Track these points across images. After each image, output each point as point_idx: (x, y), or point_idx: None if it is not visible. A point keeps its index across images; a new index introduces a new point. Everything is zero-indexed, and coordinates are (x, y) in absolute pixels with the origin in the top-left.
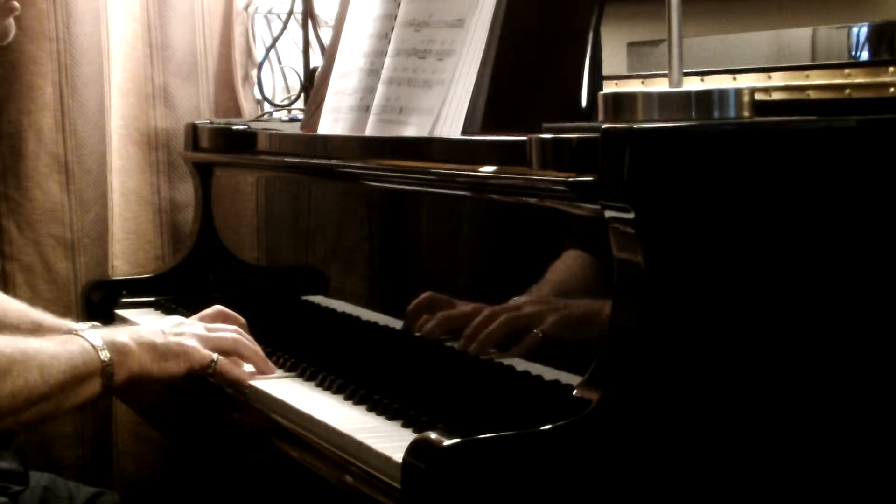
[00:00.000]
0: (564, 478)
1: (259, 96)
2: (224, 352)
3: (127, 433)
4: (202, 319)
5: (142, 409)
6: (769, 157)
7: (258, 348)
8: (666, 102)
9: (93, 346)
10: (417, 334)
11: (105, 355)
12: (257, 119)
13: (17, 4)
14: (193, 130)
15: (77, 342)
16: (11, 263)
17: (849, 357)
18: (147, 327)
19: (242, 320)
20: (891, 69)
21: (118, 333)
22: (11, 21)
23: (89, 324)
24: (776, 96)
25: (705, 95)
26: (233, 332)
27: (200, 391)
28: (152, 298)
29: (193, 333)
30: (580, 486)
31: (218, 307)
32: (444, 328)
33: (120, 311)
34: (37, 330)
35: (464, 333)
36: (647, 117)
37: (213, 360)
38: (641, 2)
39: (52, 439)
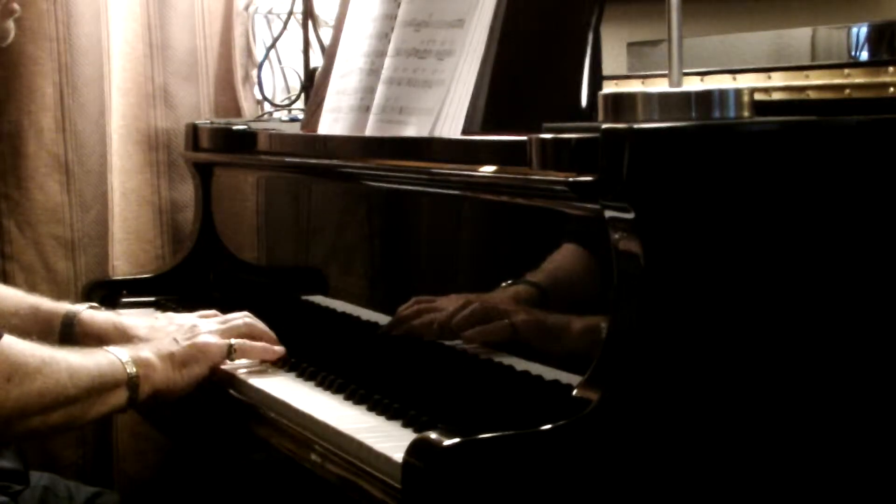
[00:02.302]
0: (564, 478)
1: (259, 96)
2: (238, 336)
3: (127, 433)
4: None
5: (142, 409)
6: (769, 157)
7: (268, 329)
8: (666, 102)
9: (119, 360)
10: (416, 335)
11: (131, 368)
12: (257, 119)
13: (17, 7)
14: (193, 130)
15: (104, 354)
16: (11, 263)
17: (849, 356)
18: (162, 340)
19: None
20: (891, 69)
21: (140, 349)
22: (11, 23)
23: (87, 304)
24: (776, 96)
25: (705, 95)
26: (242, 317)
27: (200, 392)
28: (152, 298)
29: (206, 331)
30: (580, 487)
31: (247, 318)
32: (432, 323)
33: (120, 311)
34: (35, 313)
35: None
36: (647, 117)
37: (230, 346)
38: (641, 2)
39: (52, 440)
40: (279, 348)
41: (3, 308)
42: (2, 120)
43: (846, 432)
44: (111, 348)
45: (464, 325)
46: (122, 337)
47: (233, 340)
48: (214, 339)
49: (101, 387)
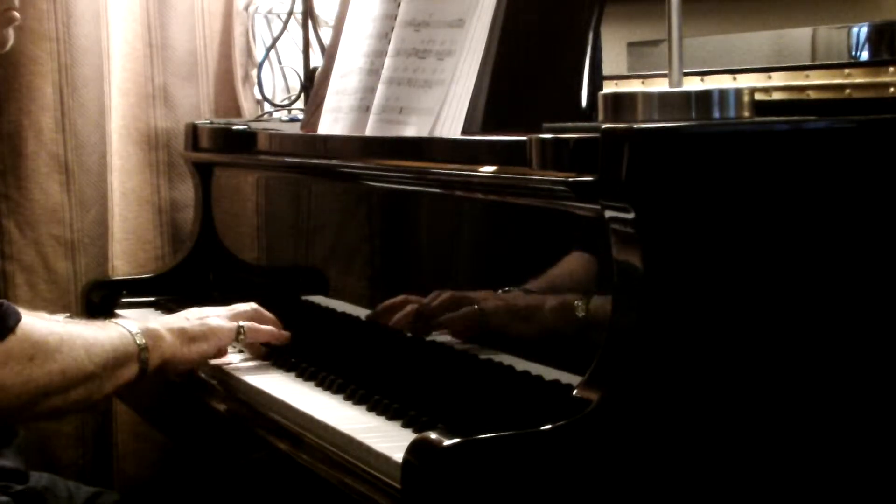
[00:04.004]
0: (564, 478)
1: (259, 96)
2: (246, 320)
3: (127, 433)
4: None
5: (142, 409)
6: (769, 157)
7: (273, 317)
8: (666, 102)
9: (129, 332)
10: (416, 335)
11: (140, 339)
12: (257, 119)
13: (17, 15)
14: (193, 130)
15: (115, 327)
16: (11, 263)
17: (848, 356)
18: (172, 317)
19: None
20: (891, 69)
21: (149, 321)
22: (10, 31)
23: (63, 315)
24: (776, 96)
25: (705, 95)
26: (248, 304)
27: (201, 391)
28: (152, 298)
29: (215, 314)
30: (580, 487)
31: (254, 305)
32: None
33: (120, 311)
34: None
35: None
36: (647, 117)
37: (240, 327)
38: (641, 2)
39: (52, 439)
40: (286, 333)
41: None
42: (2, 120)
43: (846, 432)
44: (120, 321)
45: (465, 326)
46: None
47: (242, 322)
48: (224, 322)
49: (115, 361)
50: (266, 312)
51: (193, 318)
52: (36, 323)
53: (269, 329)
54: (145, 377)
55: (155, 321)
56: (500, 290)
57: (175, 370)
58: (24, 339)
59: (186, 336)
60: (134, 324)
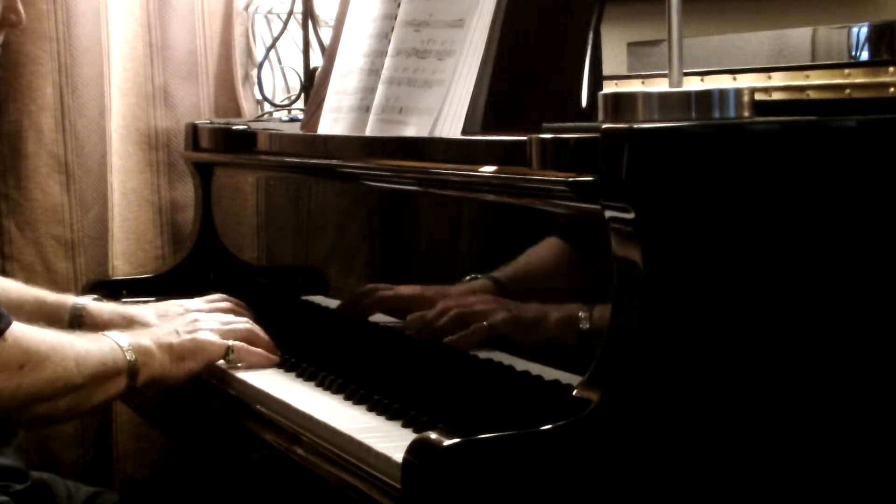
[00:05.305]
0: (564, 478)
1: (259, 96)
2: (238, 339)
3: (127, 433)
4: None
5: (142, 409)
6: (769, 157)
7: (268, 339)
8: (666, 102)
9: (119, 347)
10: (416, 334)
11: (130, 356)
12: (257, 119)
13: (14, 18)
14: (193, 130)
15: (106, 341)
16: (11, 263)
17: (849, 357)
18: (163, 328)
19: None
20: (891, 69)
21: (141, 337)
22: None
23: (91, 296)
24: (776, 96)
25: (705, 95)
26: (244, 322)
27: (200, 391)
28: (152, 298)
29: (207, 328)
30: (580, 487)
31: (221, 296)
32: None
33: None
34: (40, 306)
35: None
36: (647, 117)
37: (229, 348)
38: (641, 2)
39: (52, 439)
40: (275, 357)
41: (7, 302)
42: (2, 120)
43: (846, 432)
44: (112, 334)
45: (464, 328)
46: (129, 327)
47: (232, 342)
48: (215, 338)
49: (104, 374)
50: (261, 333)
51: (184, 328)
52: (28, 330)
53: (259, 353)
54: (133, 392)
55: (146, 335)
56: (494, 276)
57: (165, 387)
58: (15, 345)
59: (175, 353)
60: (125, 338)
